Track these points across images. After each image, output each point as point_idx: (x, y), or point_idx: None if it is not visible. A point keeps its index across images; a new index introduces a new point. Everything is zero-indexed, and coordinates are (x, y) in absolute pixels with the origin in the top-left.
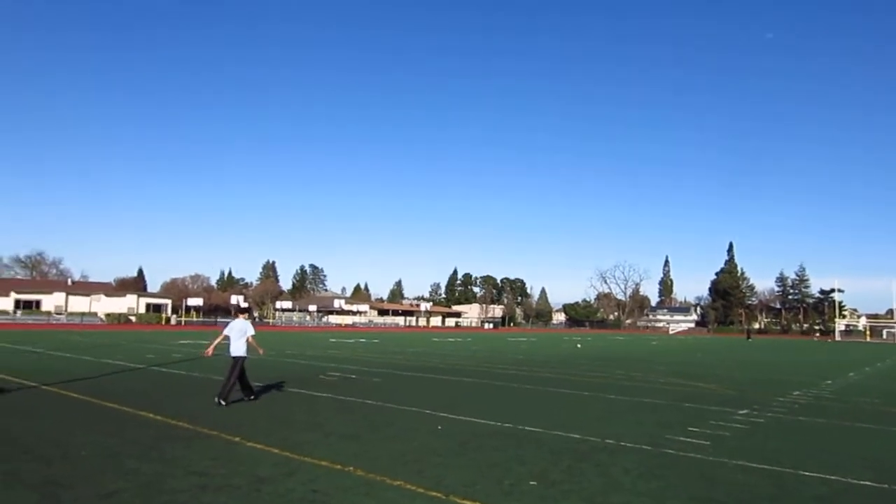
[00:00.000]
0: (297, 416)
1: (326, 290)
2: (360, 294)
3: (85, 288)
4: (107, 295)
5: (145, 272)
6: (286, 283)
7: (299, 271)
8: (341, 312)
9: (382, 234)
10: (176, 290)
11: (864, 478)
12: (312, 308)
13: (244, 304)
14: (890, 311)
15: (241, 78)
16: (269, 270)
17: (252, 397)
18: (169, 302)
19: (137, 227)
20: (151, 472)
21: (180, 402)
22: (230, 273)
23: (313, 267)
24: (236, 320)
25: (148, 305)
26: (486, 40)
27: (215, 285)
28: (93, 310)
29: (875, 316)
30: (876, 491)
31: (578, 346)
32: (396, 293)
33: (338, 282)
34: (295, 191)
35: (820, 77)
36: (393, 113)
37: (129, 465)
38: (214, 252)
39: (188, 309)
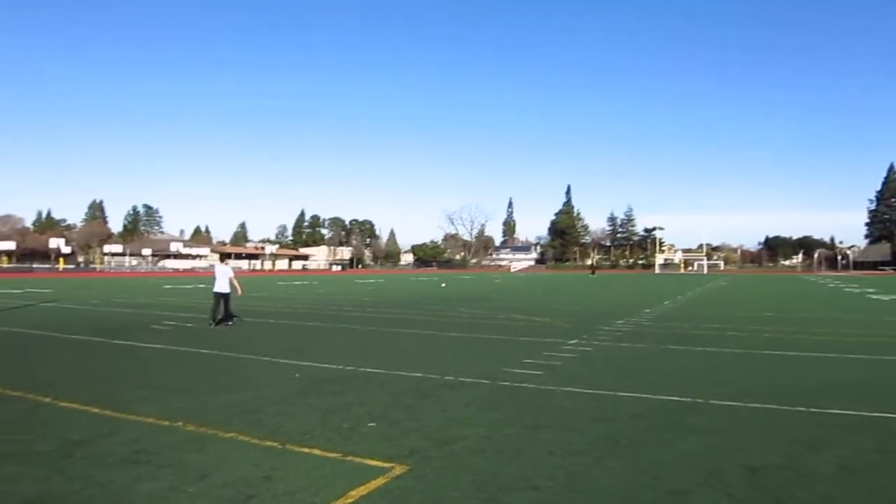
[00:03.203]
0: (120, 370)
1: (163, 232)
2: (200, 237)
3: None
4: None
5: None
6: (116, 225)
7: (131, 212)
8: (179, 256)
9: (224, 174)
10: None
11: (673, 394)
12: (146, 252)
13: (225, 255)
14: (701, 246)
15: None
16: (97, 211)
17: (230, 323)
18: None
19: None
20: None
21: None
22: (49, 214)
23: (147, 207)
24: (221, 265)
25: None
26: None
27: (31, 227)
28: None
29: (689, 250)
30: (682, 405)
31: (443, 285)
32: (240, 236)
33: (175, 224)
34: (124, 122)
35: (641, 33)
36: (232, 35)
37: None
38: (29, 190)
39: None
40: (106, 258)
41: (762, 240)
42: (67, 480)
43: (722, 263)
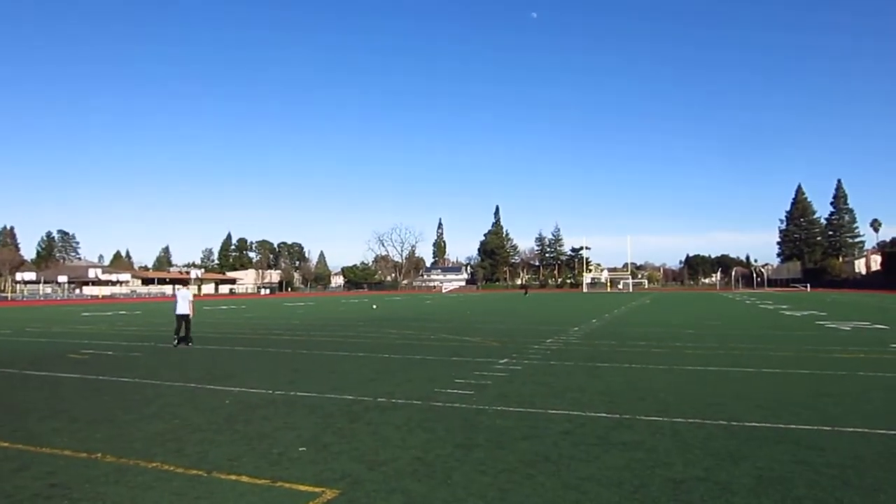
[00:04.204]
0: (34, 402)
1: (80, 258)
2: (120, 262)
3: None
4: None
5: None
6: (29, 252)
7: (45, 238)
8: (98, 283)
9: (146, 197)
10: None
11: (601, 410)
12: (62, 279)
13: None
14: (626, 265)
15: None
16: (7, 237)
17: (189, 344)
18: None
19: None
20: None
21: None
22: None
23: (62, 233)
24: (182, 289)
25: None
26: None
27: None
28: None
29: (614, 269)
30: (609, 421)
31: (374, 307)
32: (164, 260)
33: (93, 249)
34: (35, 145)
35: (569, 52)
36: (149, 67)
37: None
38: None
39: None
40: (18, 286)
41: (683, 259)
42: None
43: (646, 282)
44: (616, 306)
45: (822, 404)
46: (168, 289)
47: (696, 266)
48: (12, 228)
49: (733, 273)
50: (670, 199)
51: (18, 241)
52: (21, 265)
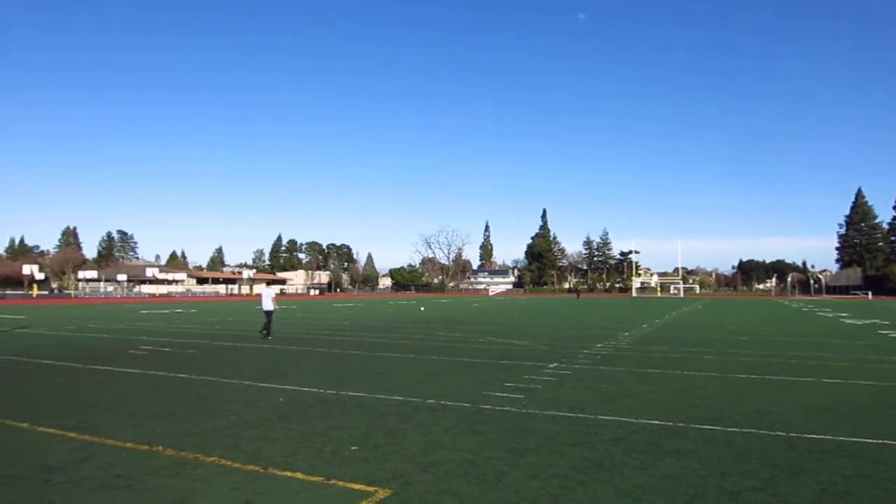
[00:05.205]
0: (98, 395)
1: (138, 258)
2: (176, 262)
3: None
4: None
5: None
6: (91, 251)
7: (105, 238)
8: (155, 282)
9: (201, 199)
10: None
11: (653, 417)
12: (122, 278)
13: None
14: (676, 270)
15: (41, 28)
16: (70, 237)
17: (268, 337)
18: None
19: None
20: None
21: None
22: (22, 240)
23: (122, 233)
24: (266, 289)
25: None
26: None
27: (3, 254)
28: None
29: (664, 274)
30: (662, 428)
31: (421, 309)
32: (217, 261)
33: (151, 249)
34: (98, 149)
35: (623, 53)
36: (207, 75)
37: None
38: (1, 216)
39: None
40: (80, 284)
41: (736, 263)
42: None
43: (697, 287)
44: (666, 311)
45: (886, 417)
46: (221, 288)
47: (749, 271)
48: (75, 229)
49: (789, 279)
50: (722, 202)
51: (81, 240)
52: (83, 264)
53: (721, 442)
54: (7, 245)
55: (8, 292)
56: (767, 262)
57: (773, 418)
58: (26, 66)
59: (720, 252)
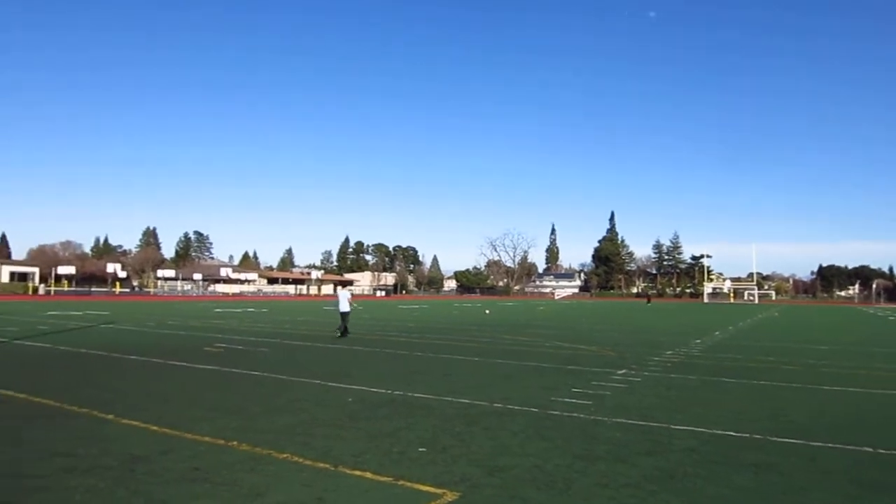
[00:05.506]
0: (177, 390)
1: (212, 258)
2: (248, 262)
3: None
4: None
5: (9, 238)
6: (169, 251)
7: (183, 238)
8: (228, 281)
9: (272, 201)
10: (44, 257)
11: (728, 428)
12: (197, 277)
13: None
14: (750, 275)
15: (121, 37)
16: (150, 237)
17: (345, 335)
18: (36, 270)
19: None
20: (9, 456)
21: (46, 377)
22: (106, 240)
23: (198, 234)
24: (342, 290)
25: (12, 274)
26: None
27: (90, 253)
28: None
29: (738, 279)
30: (738, 440)
31: (487, 312)
32: (287, 261)
33: (225, 250)
34: (177, 153)
35: (691, 56)
36: (277, 77)
37: None
38: (88, 218)
39: (58, 278)
40: (159, 282)
41: (815, 269)
42: (131, 494)
43: (773, 293)
44: (740, 318)
45: None
46: (291, 288)
47: (829, 277)
48: (155, 229)
49: (874, 286)
50: (801, 203)
51: (160, 241)
52: (162, 263)
53: (802, 456)
54: (93, 244)
55: (93, 289)
56: (850, 267)
57: (859, 433)
58: (119, 78)
59: (798, 257)
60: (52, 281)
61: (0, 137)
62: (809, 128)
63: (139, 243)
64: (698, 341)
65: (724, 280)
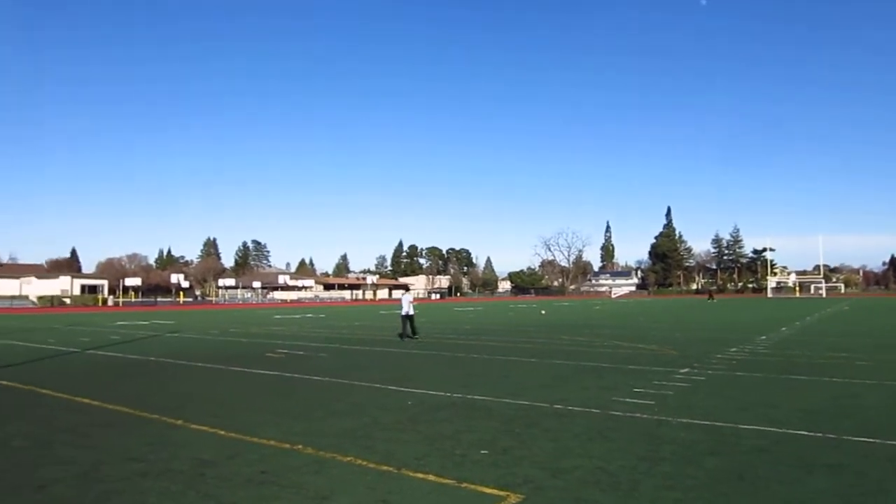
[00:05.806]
0: (242, 396)
1: (270, 266)
2: (304, 269)
3: (14, 270)
4: (38, 277)
5: (79, 252)
6: (228, 260)
7: (241, 248)
8: (286, 288)
9: (326, 209)
10: (112, 270)
11: (799, 427)
12: (256, 285)
13: (409, 288)
14: (817, 268)
15: (176, 53)
16: (211, 247)
17: (416, 337)
18: (105, 282)
19: (69, 206)
20: (87, 460)
21: (118, 385)
22: (169, 251)
23: (256, 243)
24: (405, 294)
25: (83, 287)
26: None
27: (154, 264)
28: (23, 293)
29: (803, 272)
30: (811, 440)
31: (543, 312)
32: (342, 267)
33: (282, 257)
34: (234, 166)
35: (744, 49)
36: (329, 84)
37: (64, 454)
38: (152, 230)
39: (126, 289)
40: (220, 291)
41: (887, 260)
42: (201, 497)
43: (842, 286)
44: (807, 313)
45: None
46: (347, 294)
47: None
48: (215, 240)
49: None
50: (870, 192)
51: (220, 250)
52: (222, 272)
53: (880, 456)
54: (157, 256)
55: (158, 299)
56: None
57: None
58: (170, 97)
59: (869, 248)
60: (120, 292)
61: (69, 162)
62: (876, 116)
63: (200, 253)
64: (763, 338)
65: (789, 274)
